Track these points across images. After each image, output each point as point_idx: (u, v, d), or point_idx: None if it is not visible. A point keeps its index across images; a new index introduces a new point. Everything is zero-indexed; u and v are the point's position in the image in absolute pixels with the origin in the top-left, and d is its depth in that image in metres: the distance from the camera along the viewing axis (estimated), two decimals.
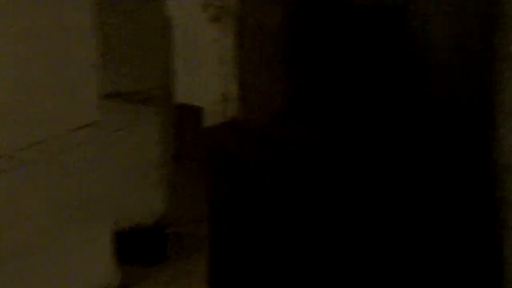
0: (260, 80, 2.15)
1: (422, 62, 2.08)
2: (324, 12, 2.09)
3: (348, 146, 2.10)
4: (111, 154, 2.26)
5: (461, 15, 2.08)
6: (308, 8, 2.09)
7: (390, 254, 2.08)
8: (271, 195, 2.14)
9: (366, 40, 2.09)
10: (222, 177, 2.15)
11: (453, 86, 2.08)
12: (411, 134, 2.08)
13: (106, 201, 2.17)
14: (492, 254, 2.03)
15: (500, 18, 1.93)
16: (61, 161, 2.04)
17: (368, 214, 2.09)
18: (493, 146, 2.03)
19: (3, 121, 1.92)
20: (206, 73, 2.19)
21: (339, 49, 2.10)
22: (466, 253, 2.05)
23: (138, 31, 2.42)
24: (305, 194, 2.14)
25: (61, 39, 2.02)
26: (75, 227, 2.09)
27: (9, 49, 1.92)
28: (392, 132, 2.08)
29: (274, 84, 2.14)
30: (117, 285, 2.24)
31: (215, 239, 2.16)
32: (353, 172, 2.10)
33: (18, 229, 1.95)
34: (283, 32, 2.10)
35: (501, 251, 2.00)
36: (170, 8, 2.44)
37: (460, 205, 2.05)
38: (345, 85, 2.11)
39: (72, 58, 2.05)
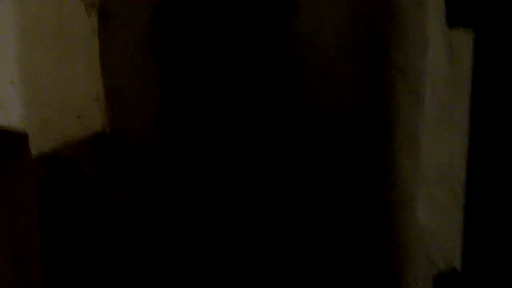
0: (129, 84, 1.92)
1: (306, 67, 1.90)
2: (198, 6, 1.86)
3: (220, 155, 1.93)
4: None
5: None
6: (179, 3, 1.86)
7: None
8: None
9: (245, 40, 1.88)
10: None
11: (337, 92, 1.91)
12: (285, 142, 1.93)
13: None
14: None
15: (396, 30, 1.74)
16: None
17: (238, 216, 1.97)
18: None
19: None
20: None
21: (215, 47, 1.89)
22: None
23: None
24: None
25: None
26: None
27: None
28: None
29: (145, 88, 1.92)
30: None
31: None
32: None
33: None
34: (153, 29, 1.87)
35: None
36: None
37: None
38: (219, 87, 1.91)
39: None
